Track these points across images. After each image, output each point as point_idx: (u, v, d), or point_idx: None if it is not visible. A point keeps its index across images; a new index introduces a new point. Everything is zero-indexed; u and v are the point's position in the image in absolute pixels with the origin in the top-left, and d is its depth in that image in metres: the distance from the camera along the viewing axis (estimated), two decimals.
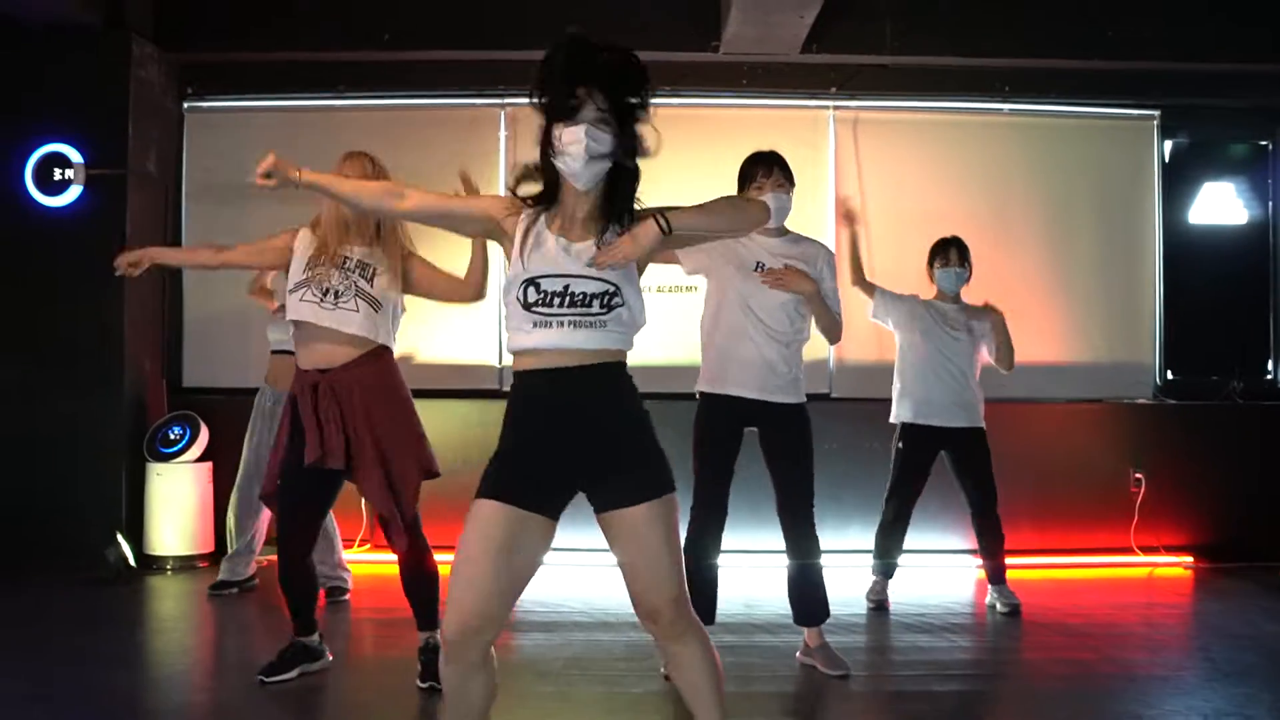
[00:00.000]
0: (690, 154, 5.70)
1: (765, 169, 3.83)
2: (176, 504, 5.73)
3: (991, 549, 5.00)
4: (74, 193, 5.76)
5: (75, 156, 5.75)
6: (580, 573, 5.43)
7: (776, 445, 3.82)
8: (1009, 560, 5.14)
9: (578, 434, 2.39)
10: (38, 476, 5.64)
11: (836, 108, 6.28)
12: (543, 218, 2.46)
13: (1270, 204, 6.44)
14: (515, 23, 6.01)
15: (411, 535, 3.57)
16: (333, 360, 3.51)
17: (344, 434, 3.46)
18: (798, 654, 3.99)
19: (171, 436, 5.79)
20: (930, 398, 4.94)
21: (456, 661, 2.34)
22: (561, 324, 2.37)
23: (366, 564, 5.70)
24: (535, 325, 2.38)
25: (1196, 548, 6.06)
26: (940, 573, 5.77)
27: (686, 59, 6.06)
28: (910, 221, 6.05)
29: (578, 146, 2.34)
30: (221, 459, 5.89)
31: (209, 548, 5.83)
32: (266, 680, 3.64)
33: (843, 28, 5.91)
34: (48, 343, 5.70)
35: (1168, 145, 6.39)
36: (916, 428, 4.97)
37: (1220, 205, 6.44)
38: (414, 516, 3.59)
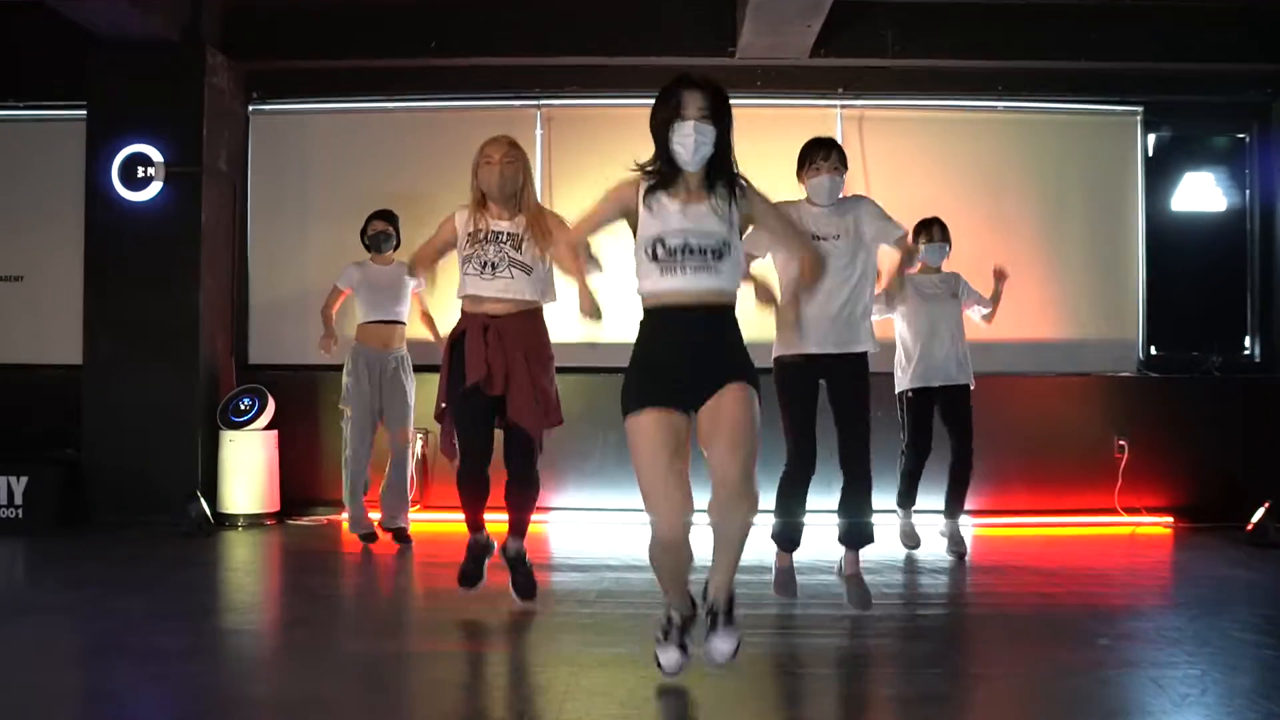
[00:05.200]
0: None
1: (824, 152, 4.26)
2: (246, 468, 6.37)
3: (958, 487, 5.59)
4: (155, 189, 6.42)
5: (156, 156, 6.40)
6: (611, 528, 6.11)
7: (842, 393, 4.25)
8: (1003, 520, 6.05)
9: (694, 354, 3.05)
10: (131, 442, 6.32)
11: (844, 107, 6.84)
12: (660, 192, 3.10)
13: (1247, 192, 6.95)
14: (549, 31, 6.63)
15: (533, 457, 4.18)
16: (497, 312, 4.13)
17: (504, 367, 4.07)
18: (835, 574, 4.48)
19: (242, 407, 6.43)
20: (930, 360, 5.51)
21: (673, 551, 3.05)
22: (685, 270, 3.03)
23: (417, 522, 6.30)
24: (662, 273, 3.04)
25: (1176, 509, 6.57)
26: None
27: (705, 63, 6.60)
28: (912, 211, 6.53)
29: (689, 139, 3.02)
30: (285, 428, 6.56)
31: (275, 507, 6.48)
32: (468, 588, 4.25)
33: (848, 34, 6.47)
34: (136, 323, 6.37)
35: (1151, 139, 6.91)
36: (918, 391, 5.55)
37: (1201, 194, 6.94)
38: (540, 443, 4.20)
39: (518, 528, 4.27)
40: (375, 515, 5.86)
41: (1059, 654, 3.67)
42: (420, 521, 6.25)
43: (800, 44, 6.30)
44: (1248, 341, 6.95)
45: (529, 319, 4.20)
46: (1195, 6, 6.54)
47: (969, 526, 6.31)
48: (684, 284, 3.04)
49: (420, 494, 6.57)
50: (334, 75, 6.93)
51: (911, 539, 5.68)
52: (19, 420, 6.67)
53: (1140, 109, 6.89)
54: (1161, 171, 6.92)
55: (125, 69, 6.37)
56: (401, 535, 5.81)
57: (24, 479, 6.16)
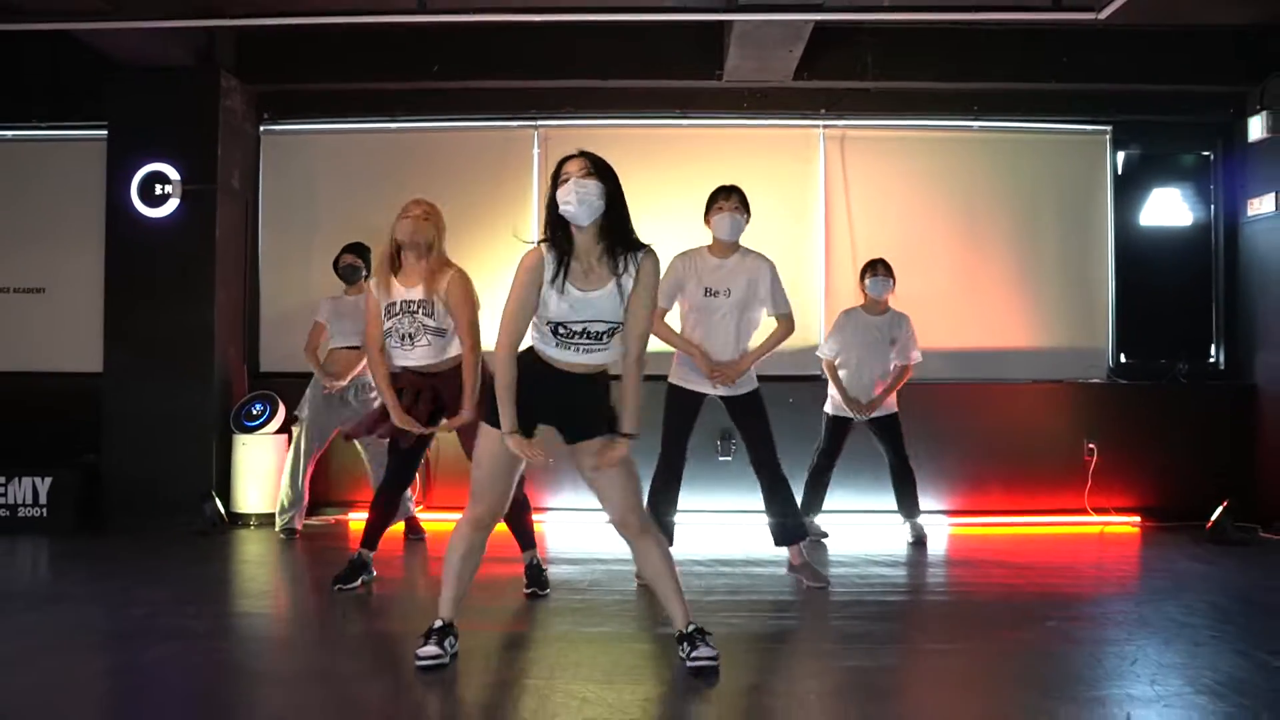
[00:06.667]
0: (698, 168, 6.61)
1: (725, 195, 4.83)
2: (258, 470, 6.70)
3: (906, 491, 6.12)
4: (172, 205, 6.76)
5: (173, 174, 6.75)
6: (604, 528, 6.38)
7: (742, 423, 4.86)
8: (979, 519, 6.56)
9: (562, 397, 3.45)
10: (147, 447, 6.65)
11: (826, 127, 7.19)
12: (563, 270, 3.29)
13: (1212, 207, 7.29)
14: (546, 55, 6.95)
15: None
16: (425, 372, 4.55)
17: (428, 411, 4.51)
18: (785, 570, 4.96)
19: (254, 412, 6.77)
20: (855, 394, 6.01)
21: (480, 530, 3.52)
22: (578, 349, 3.39)
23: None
24: (558, 345, 3.39)
25: (1143, 509, 6.90)
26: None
27: (695, 85, 7.01)
28: (892, 226, 6.97)
29: (572, 194, 3.21)
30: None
31: None
32: (341, 588, 4.68)
33: (829, 58, 6.81)
34: (152, 334, 6.70)
35: (1120, 157, 7.26)
36: (836, 418, 6.12)
37: (1167, 209, 7.28)
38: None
39: (525, 542, 4.77)
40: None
41: (1010, 634, 3.99)
42: (425, 521, 6.56)
43: (783, 68, 6.64)
44: (1213, 350, 7.28)
45: (452, 372, 4.55)
46: (1161, 31, 6.87)
47: (945, 526, 6.67)
48: (575, 359, 3.40)
49: (423, 496, 6.89)
50: (340, 97, 7.29)
51: (815, 531, 6.12)
52: (43, 425, 7.01)
53: (1109, 128, 7.24)
54: (1130, 188, 7.27)
55: (143, 92, 6.72)
56: (413, 526, 6.17)
57: (48, 480, 6.49)
